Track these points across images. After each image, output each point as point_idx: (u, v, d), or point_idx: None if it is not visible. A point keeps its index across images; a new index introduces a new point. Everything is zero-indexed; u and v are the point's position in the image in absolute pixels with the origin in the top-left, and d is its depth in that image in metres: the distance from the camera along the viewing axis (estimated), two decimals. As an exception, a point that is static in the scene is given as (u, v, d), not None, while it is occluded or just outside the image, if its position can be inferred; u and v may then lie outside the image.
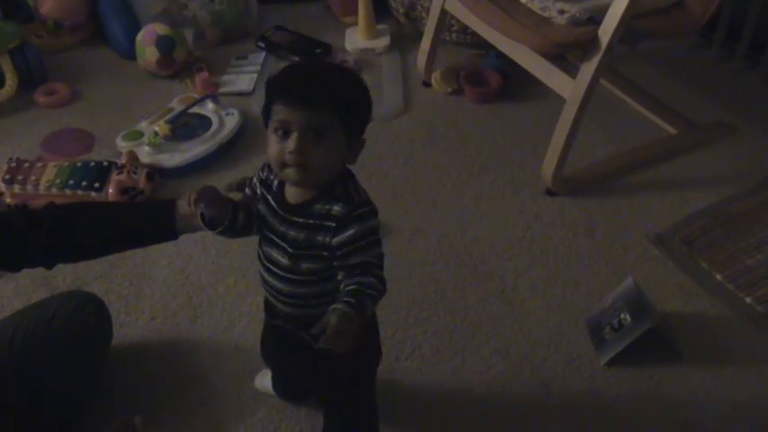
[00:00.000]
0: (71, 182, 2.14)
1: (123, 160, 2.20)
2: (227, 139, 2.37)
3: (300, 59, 1.14)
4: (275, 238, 1.24)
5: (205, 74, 2.68)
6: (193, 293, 1.92)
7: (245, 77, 2.75)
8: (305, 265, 1.22)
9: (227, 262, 2.01)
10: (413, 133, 2.50)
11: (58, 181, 2.14)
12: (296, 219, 1.20)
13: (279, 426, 1.63)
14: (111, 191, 2.11)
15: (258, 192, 1.27)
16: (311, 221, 1.19)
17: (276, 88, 1.16)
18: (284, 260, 1.23)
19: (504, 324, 1.85)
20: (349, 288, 1.14)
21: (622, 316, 1.77)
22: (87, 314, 1.60)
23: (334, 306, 1.09)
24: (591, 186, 2.26)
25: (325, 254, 1.19)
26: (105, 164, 2.20)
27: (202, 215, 1.26)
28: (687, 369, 1.75)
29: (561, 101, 2.09)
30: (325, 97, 1.13)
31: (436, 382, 1.72)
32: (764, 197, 2.21)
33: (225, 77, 2.75)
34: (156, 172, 2.22)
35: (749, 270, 1.97)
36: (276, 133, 1.14)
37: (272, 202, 1.24)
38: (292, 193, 1.21)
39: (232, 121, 2.42)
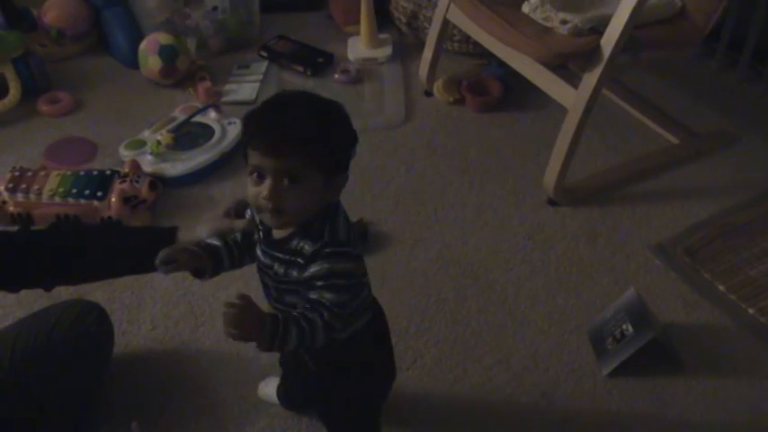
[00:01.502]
0: (74, 191, 2.14)
1: (126, 169, 2.20)
2: (229, 148, 2.37)
3: (283, 92, 1.09)
4: (264, 269, 1.26)
5: (207, 83, 2.69)
6: (195, 302, 1.92)
7: (247, 87, 2.75)
8: (287, 298, 1.24)
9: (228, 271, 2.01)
10: (414, 143, 2.50)
11: (60, 190, 2.14)
12: (276, 253, 1.21)
13: (280, 435, 1.63)
14: (113, 199, 2.11)
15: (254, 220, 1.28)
16: (287, 257, 1.19)
17: (249, 132, 1.15)
18: (273, 291, 1.26)
19: (506, 334, 1.85)
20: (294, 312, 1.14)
21: (624, 326, 1.77)
22: (89, 323, 1.60)
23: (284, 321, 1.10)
24: (593, 196, 2.26)
25: (303, 288, 1.19)
26: (108, 172, 2.20)
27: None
28: (689, 380, 1.74)
29: (563, 110, 2.09)
30: (297, 144, 1.10)
31: (438, 393, 1.72)
32: (766, 207, 2.20)
33: (227, 86, 2.75)
34: (158, 181, 2.22)
35: (752, 281, 1.97)
36: (252, 176, 1.15)
37: (261, 233, 1.25)
38: (273, 226, 1.21)
39: (234, 131, 2.42)
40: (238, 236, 1.33)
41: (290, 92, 1.19)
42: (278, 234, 1.21)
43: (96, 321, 1.63)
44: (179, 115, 2.49)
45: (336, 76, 2.81)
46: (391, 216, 2.18)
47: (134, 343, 1.82)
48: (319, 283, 1.15)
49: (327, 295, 1.14)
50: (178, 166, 2.29)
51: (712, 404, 1.69)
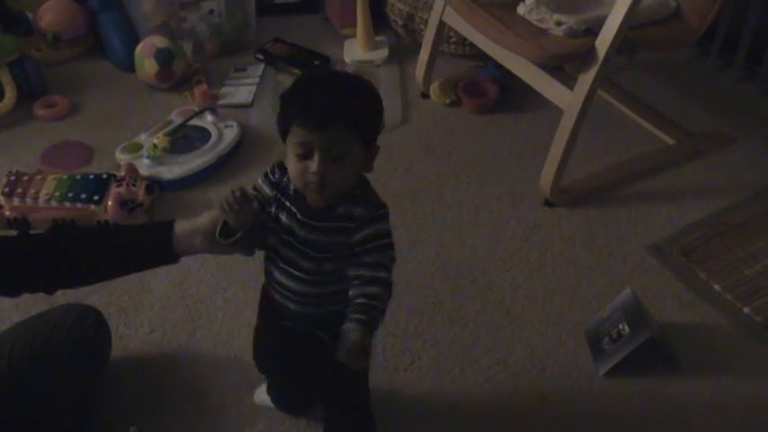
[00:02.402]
0: (70, 194, 2.14)
1: (122, 173, 2.20)
2: (226, 151, 2.38)
3: (310, 71, 1.11)
4: (296, 243, 1.26)
5: (204, 86, 2.69)
6: (192, 306, 1.92)
7: (243, 90, 2.76)
8: (329, 266, 1.26)
9: (225, 275, 2.01)
10: (411, 144, 2.51)
11: (57, 194, 2.14)
12: (319, 223, 1.23)
13: (278, 438, 1.63)
14: (110, 203, 2.11)
15: (271, 195, 1.28)
16: (334, 224, 1.22)
17: (292, 109, 1.17)
18: (307, 263, 1.26)
19: (503, 335, 1.85)
20: (358, 302, 1.20)
21: (621, 326, 1.77)
22: (86, 327, 1.60)
23: (349, 325, 1.17)
24: (589, 197, 2.27)
25: (345, 253, 1.24)
26: (104, 176, 2.20)
27: (225, 223, 1.26)
28: (685, 379, 1.75)
29: (559, 112, 2.09)
30: (344, 117, 1.14)
31: (435, 393, 1.72)
32: (762, 207, 2.21)
33: (224, 90, 2.76)
34: (155, 184, 2.22)
35: (747, 280, 1.98)
36: (295, 153, 1.17)
37: (291, 207, 1.26)
38: (314, 199, 1.23)
39: (231, 134, 2.42)
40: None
41: (319, 71, 1.22)
42: (317, 204, 1.23)
43: (94, 325, 1.63)
44: (176, 119, 2.49)
45: (333, 78, 2.81)
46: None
47: (131, 347, 1.82)
48: (377, 243, 1.22)
49: (384, 255, 1.23)
50: (175, 170, 2.29)
51: (708, 403, 1.70)
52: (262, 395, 1.68)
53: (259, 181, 1.31)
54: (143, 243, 1.38)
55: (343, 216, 1.22)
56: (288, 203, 1.26)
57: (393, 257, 1.25)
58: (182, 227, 1.33)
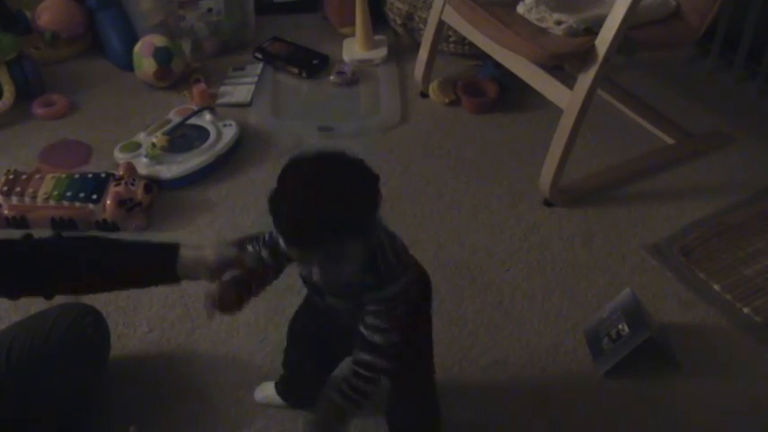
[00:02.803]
0: (68, 193, 2.13)
1: (121, 172, 2.20)
2: (224, 150, 2.37)
3: (291, 170, 1.09)
4: (321, 294, 1.31)
5: (202, 85, 2.68)
6: (191, 305, 1.91)
7: (242, 89, 2.75)
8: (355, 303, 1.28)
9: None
10: (410, 144, 2.50)
11: (55, 193, 2.14)
12: (333, 295, 1.29)
13: (276, 437, 1.63)
14: (108, 202, 2.11)
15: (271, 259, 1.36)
16: (348, 294, 1.26)
17: (278, 231, 1.16)
18: (336, 304, 1.32)
19: (502, 335, 1.85)
20: (349, 370, 1.28)
21: (620, 326, 1.77)
22: (85, 326, 1.60)
23: (327, 395, 1.28)
24: (588, 196, 2.27)
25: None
26: (103, 175, 2.20)
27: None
28: (685, 379, 1.75)
29: (559, 111, 2.09)
30: (325, 234, 1.12)
31: (434, 394, 1.72)
32: (762, 207, 2.21)
33: (222, 89, 2.75)
34: (153, 183, 2.22)
35: (747, 280, 1.97)
36: (296, 259, 1.23)
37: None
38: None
39: (230, 133, 2.42)
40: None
41: (304, 164, 1.16)
42: None
43: (92, 324, 1.62)
44: (174, 118, 2.49)
45: (332, 77, 2.81)
46: (387, 218, 2.15)
47: (130, 346, 1.81)
48: (375, 308, 1.24)
49: (384, 320, 1.24)
50: (173, 169, 2.29)
51: (708, 403, 1.70)
52: (263, 392, 1.68)
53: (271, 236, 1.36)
54: (148, 261, 1.38)
55: (356, 285, 1.23)
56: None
57: (398, 316, 1.25)
58: (187, 254, 1.35)
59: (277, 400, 1.66)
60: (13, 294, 1.39)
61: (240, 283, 1.35)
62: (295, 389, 1.64)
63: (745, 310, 1.90)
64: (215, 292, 1.34)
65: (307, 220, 1.11)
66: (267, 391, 1.67)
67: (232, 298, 1.34)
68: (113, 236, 2.06)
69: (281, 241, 1.19)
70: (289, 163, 1.16)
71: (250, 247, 1.38)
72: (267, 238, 1.38)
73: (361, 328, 1.26)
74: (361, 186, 1.16)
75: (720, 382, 1.74)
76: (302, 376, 1.62)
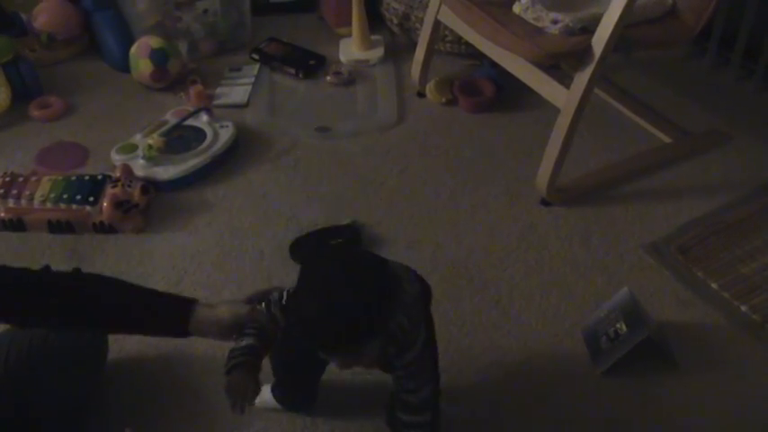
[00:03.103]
0: (65, 196, 2.13)
1: (118, 174, 2.20)
2: (221, 151, 2.37)
3: (311, 275, 1.23)
4: None
5: (199, 86, 2.68)
6: (188, 307, 1.91)
7: (239, 89, 2.75)
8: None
9: (222, 275, 2.01)
10: (407, 144, 2.50)
11: (52, 195, 2.13)
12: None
13: (275, 438, 1.62)
14: (105, 204, 2.10)
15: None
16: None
17: (300, 336, 1.25)
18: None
19: (500, 334, 1.85)
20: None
21: (618, 325, 1.77)
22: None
23: None
24: (586, 196, 2.26)
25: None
26: (99, 177, 2.20)
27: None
28: (683, 378, 1.74)
29: (556, 110, 2.09)
30: (350, 342, 1.19)
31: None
32: (759, 205, 2.21)
33: (219, 90, 2.75)
34: (150, 185, 2.21)
35: (745, 278, 1.97)
36: None
37: None
38: None
39: (226, 134, 2.41)
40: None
41: (323, 269, 1.23)
42: None
43: None
44: (171, 119, 2.48)
45: (328, 78, 2.81)
46: (385, 218, 2.18)
47: (127, 348, 1.80)
48: (406, 371, 1.33)
49: (416, 380, 1.35)
50: (170, 170, 2.28)
51: (706, 402, 1.70)
52: (260, 396, 1.67)
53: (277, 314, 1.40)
54: (163, 313, 1.39)
55: (380, 361, 1.33)
56: None
57: (426, 379, 1.36)
58: (203, 314, 1.38)
59: (273, 403, 1.65)
60: (22, 323, 1.39)
61: (250, 367, 1.36)
62: (289, 393, 1.64)
63: (743, 308, 1.90)
64: (232, 386, 1.34)
65: (326, 329, 1.18)
66: (264, 396, 1.66)
67: (248, 384, 1.34)
68: (111, 238, 2.10)
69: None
70: (308, 266, 1.25)
71: (262, 306, 1.41)
72: (279, 298, 1.41)
73: (398, 392, 1.38)
74: (379, 291, 1.21)
75: (718, 381, 1.74)
76: (293, 381, 1.62)
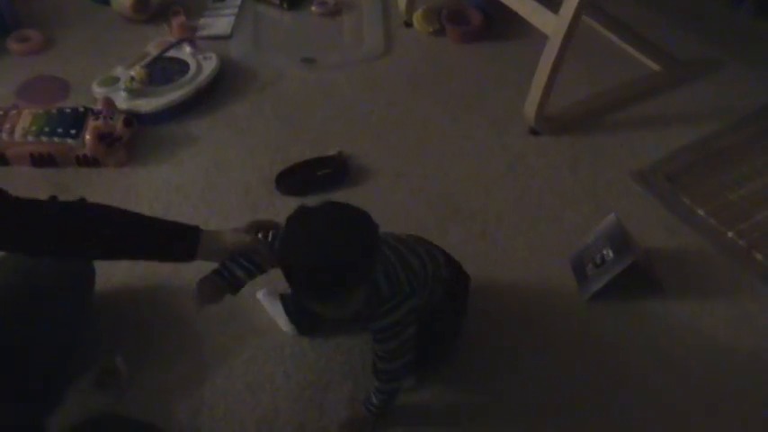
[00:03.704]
0: (46, 129, 2.10)
1: (99, 106, 2.16)
2: (205, 83, 2.33)
3: (300, 223, 1.27)
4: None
5: (182, 17, 2.62)
6: (174, 238, 1.90)
7: (222, 20, 2.70)
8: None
9: (207, 208, 1.99)
10: (394, 75, 2.47)
11: (33, 128, 2.10)
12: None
13: (263, 367, 1.63)
14: (87, 137, 2.07)
15: None
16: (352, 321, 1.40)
17: (289, 279, 1.26)
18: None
19: (488, 263, 1.85)
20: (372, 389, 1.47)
21: (605, 252, 1.77)
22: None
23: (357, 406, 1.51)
24: (574, 125, 2.25)
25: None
26: (81, 110, 2.16)
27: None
28: (669, 303, 1.76)
29: (544, 39, 2.05)
30: (335, 289, 1.23)
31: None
32: (747, 133, 2.20)
33: (202, 21, 2.70)
34: (133, 117, 2.18)
35: (731, 205, 1.97)
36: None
37: None
38: None
39: (210, 65, 2.37)
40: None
41: (311, 217, 1.27)
42: None
43: None
44: (153, 51, 2.44)
45: (314, 8, 2.76)
46: (372, 149, 2.16)
47: (114, 280, 1.80)
48: (382, 335, 1.37)
49: (388, 345, 1.38)
50: (153, 103, 2.25)
51: (692, 326, 1.71)
52: (267, 297, 1.71)
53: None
54: (171, 239, 1.43)
55: (359, 316, 1.35)
56: None
57: (403, 341, 1.38)
58: (209, 240, 1.43)
59: (283, 318, 1.68)
60: (32, 252, 1.38)
61: (216, 287, 1.46)
62: (299, 312, 1.67)
63: (730, 234, 1.90)
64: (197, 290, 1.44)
65: (318, 274, 1.21)
66: (273, 301, 1.69)
67: (206, 294, 1.44)
68: (95, 171, 2.08)
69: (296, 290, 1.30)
70: (296, 215, 1.26)
71: (261, 236, 1.46)
72: (274, 237, 1.46)
73: (373, 355, 1.42)
74: (365, 238, 1.26)
75: (704, 306, 1.75)
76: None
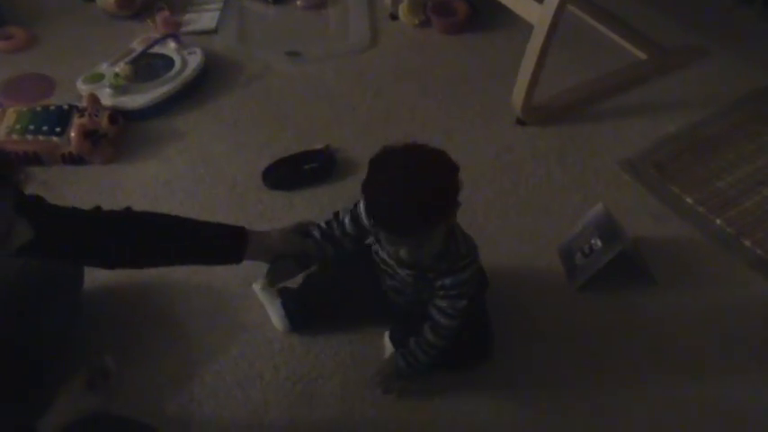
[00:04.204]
0: (31, 127, 2.08)
1: (85, 103, 2.15)
2: (190, 78, 2.32)
3: (384, 161, 1.30)
4: (396, 276, 1.49)
5: (166, 13, 2.61)
6: (162, 235, 1.89)
7: (207, 15, 2.68)
8: (424, 295, 1.47)
9: (195, 203, 1.98)
10: (380, 67, 2.46)
11: (18, 126, 2.09)
12: (410, 271, 1.44)
13: (252, 362, 1.63)
14: (73, 134, 2.06)
15: (368, 226, 1.48)
16: (423, 273, 1.42)
17: (373, 216, 1.33)
18: (408, 291, 1.50)
19: (477, 254, 1.85)
20: (416, 341, 1.49)
21: (593, 241, 1.77)
22: None
23: (397, 353, 1.51)
24: (561, 114, 2.24)
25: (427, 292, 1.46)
26: (66, 107, 2.15)
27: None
28: (658, 291, 1.76)
29: (530, 29, 2.04)
30: (421, 224, 1.26)
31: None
32: (734, 120, 2.20)
33: (187, 16, 2.68)
34: (118, 114, 2.17)
35: (719, 192, 1.98)
36: (385, 240, 1.35)
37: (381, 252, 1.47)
38: None
39: (195, 61, 2.36)
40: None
41: (397, 155, 1.29)
42: None
43: None
44: (138, 47, 2.42)
45: (299, 1, 2.74)
46: (359, 141, 2.15)
47: (102, 278, 1.78)
48: (447, 293, 1.41)
49: (454, 303, 1.43)
50: (139, 99, 2.23)
51: (682, 313, 1.71)
52: (265, 290, 1.70)
53: (346, 219, 1.51)
54: (219, 242, 1.46)
55: (430, 268, 1.40)
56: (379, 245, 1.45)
57: (462, 306, 1.43)
58: (256, 241, 1.47)
59: (278, 309, 1.67)
60: (80, 261, 1.45)
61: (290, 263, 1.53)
62: (303, 311, 1.66)
63: (718, 221, 1.90)
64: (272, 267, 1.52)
65: (405, 209, 1.24)
66: (271, 295, 1.69)
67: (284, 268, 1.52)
68: (81, 169, 2.07)
69: (370, 224, 1.38)
70: (379, 154, 1.30)
71: (317, 233, 1.53)
72: (353, 207, 1.51)
73: (432, 311, 1.45)
74: (449, 177, 1.29)
75: (693, 293, 1.76)
76: (315, 304, 1.65)
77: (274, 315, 1.68)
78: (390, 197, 1.26)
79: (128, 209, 1.43)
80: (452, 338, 1.47)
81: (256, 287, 1.70)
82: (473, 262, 1.42)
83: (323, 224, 1.55)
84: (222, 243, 1.46)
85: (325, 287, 1.64)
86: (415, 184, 1.25)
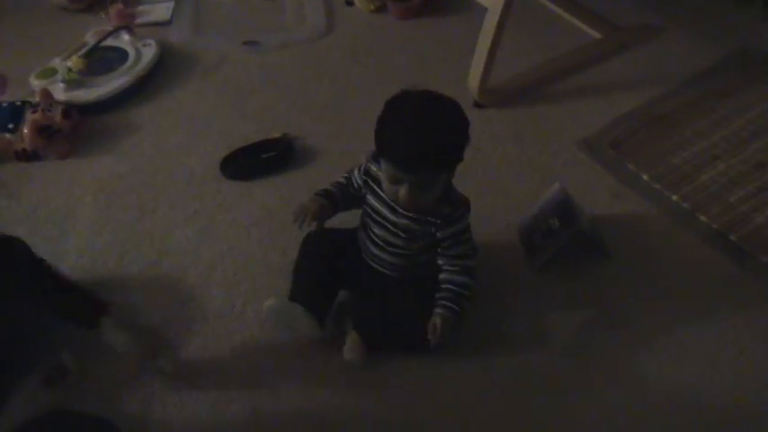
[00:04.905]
0: (-17, 124, 2.06)
1: (37, 99, 2.12)
2: (145, 71, 2.30)
3: (403, 99, 1.35)
4: (388, 225, 1.50)
5: (120, 5, 2.58)
6: (118, 230, 1.88)
7: (161, 7, 2.66)
8: (417, 244, 1.51)
9: (152, 197, 1.97)
10: (337, 54, 2.45)
11: (-31, 125, 2.06)
12: (408, 213, 1.46)
13: (213, 353, 1.62)
14: (26, 131, 2.03)
15: (361, 182, 1.54)
16: (422, 217, 1.46)
17: (384, 147, 1.35)
18: (398, 241, 1.51)
19: (436, 238, 1.85)
20: (449, 288, 1.50)
21: (551, 221, 1.78)
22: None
23: (439, 311, 1.48)
24: (518, 96, 2.25)
25: (432, 237, 1.49)
26: (18, 103, 2.12)
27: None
28: (616, 268, 1.77)
29: (485, 13, 2.05)
30: (432, 163, 1.32)
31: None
32: (689, 96, 2.23)
33: (141, 8, 2.66)
34: (72, 109, 2.14)
35: (675, 168, 2.00)
36: (388, 178, 1.38)
37: (385, 198, 1.48)
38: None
39: (150, 53, 2.34)
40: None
41: (415, 97, 1.35)
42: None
43: (21, 255, 1.58)
44: (91, 40, 2.39)
45: (254, -10, 2.73)
46: (317, 129, 2.14)
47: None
48: (457, 239, 1.48)
49: (467, 246, 1.51)
50: (93, 93, 2.21)
51: (640, 289, 1.73)
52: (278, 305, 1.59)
53: (356, 173, 1.56)
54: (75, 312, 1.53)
55: (431, 212, 1.45)
56: (380, 192, 1.48)
57: (475, 247, 1.53)
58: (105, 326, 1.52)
59: (303, 314, 1.56)
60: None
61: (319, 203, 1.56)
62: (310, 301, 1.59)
63: (674, 197, 1.92)
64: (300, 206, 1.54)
65: (420, 141, 1.29)
66: (289, 304, 1.58)
67: (312, 208, 1.53)
68: (36, 165, 2.04)
69: (384, 161, 1.36)
70: (396, 96, 1.35)
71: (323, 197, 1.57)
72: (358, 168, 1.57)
73: (454, 259, 1.50)
74: (463, 125, 1.35)
75: (651, 269, 1.77)
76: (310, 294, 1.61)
77: (300, 323, 1.56)
78: (407, 131, 1.31)
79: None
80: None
81: (267, 305, 1.55)
82: (468, 212, 1.49)
83: (334, 184, 1.61)
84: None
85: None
86: (433, 123, 1.31)
